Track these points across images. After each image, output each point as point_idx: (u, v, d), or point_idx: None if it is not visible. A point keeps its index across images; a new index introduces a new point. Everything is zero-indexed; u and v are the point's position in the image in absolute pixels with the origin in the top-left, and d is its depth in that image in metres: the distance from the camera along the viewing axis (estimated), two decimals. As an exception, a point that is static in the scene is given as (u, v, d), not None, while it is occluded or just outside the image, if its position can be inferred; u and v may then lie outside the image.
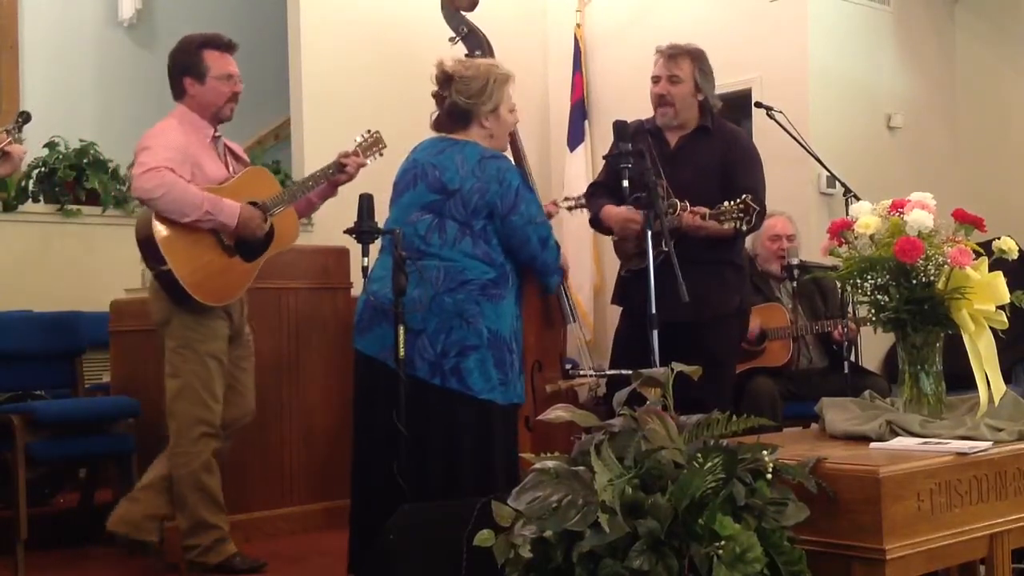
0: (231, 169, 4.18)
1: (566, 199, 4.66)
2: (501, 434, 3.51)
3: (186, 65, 4.08)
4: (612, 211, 4.26)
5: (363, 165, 4.27)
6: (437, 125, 3.71)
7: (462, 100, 3.60)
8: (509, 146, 4.24)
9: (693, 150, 4.28)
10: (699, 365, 2.48)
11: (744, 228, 4.03)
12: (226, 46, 4.14)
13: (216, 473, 4.08)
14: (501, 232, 3.55)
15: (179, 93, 4.12)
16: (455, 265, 3.46)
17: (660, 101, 4.28)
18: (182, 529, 4.08)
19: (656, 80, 4.29)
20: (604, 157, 4.36)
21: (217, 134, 4.17)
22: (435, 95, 3.69)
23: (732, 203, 4.01)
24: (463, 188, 3.52)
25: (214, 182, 4.05)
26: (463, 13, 4.54)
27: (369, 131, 4.34)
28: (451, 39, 4.50)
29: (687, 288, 3.55)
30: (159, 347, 4.56)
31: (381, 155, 4.29)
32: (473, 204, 3.51)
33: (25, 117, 3.98)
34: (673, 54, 4.26)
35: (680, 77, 4.23)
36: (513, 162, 4.20)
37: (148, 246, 3.91)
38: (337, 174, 4.23)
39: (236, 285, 4.05)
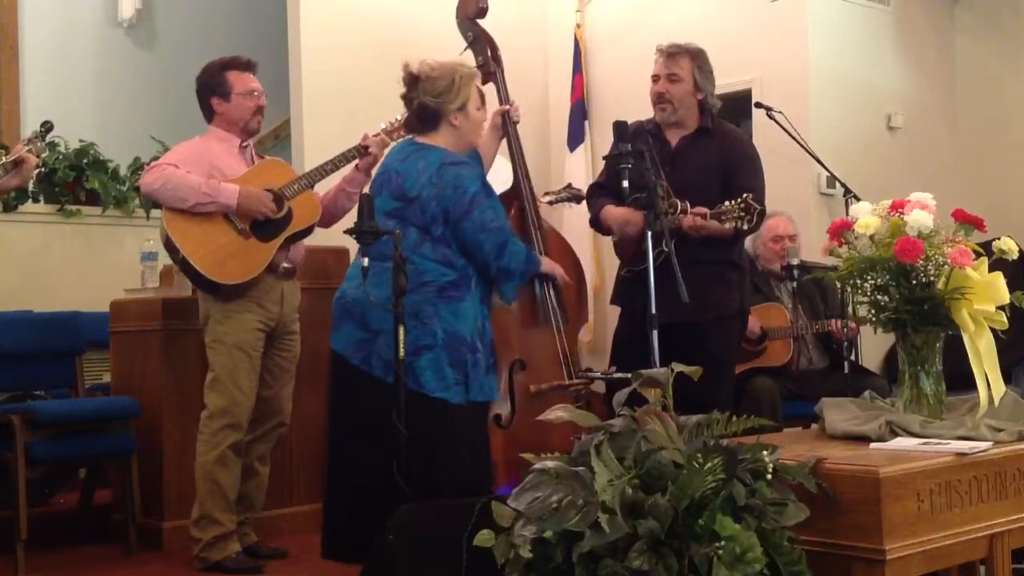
0: None
1: (546, 194, 4.64)
2: (459, 433, 3.53)
3: (211, 87, 4.26)
4: (612, 212, 4.26)
5: (387, 144, 4.30)
6: (408, 127, 3.81)
7: (430, 100, 3.66)
8: (504, 144, 4.25)
9: (693, 150, 4.28)
10: (700, 365, 2.49)
11: (745, 227, 4.04)
12: (246, 65, 4.32)
13: (231, 468, 4.13)
14: (455, 237, 3.59)
15: (209, 114, 4.30)
16: (415, 268, 3.48)
17: (658, 99, 4.29)
18: (192, 518, 4.15)
19: (655, 79, 4.30)
20: (604, 157, 4.36)
21: (245, 144, 4.32)
22: (403, 97, 3.75)
23: (733, 203, 4.02)
24: (421, 195, 3.59)
25: None
26: (475, 20, 4.54)
27: (397, 117, 4.38)
28: (464, 49, 4.50)
29: (688, 288, 3.55)
30: (159, 347, 4.60)
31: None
32: (431, 211, 3.57)
33: (48, 126, 4.09)
34: (673, 53, 4.28)
35: (679, 76, 4.25)
36: (511, 170, 4.21)
37: (168, 242, 4.09)
38: (359, 157, 4.29)
39: (253, 264, 4.13)
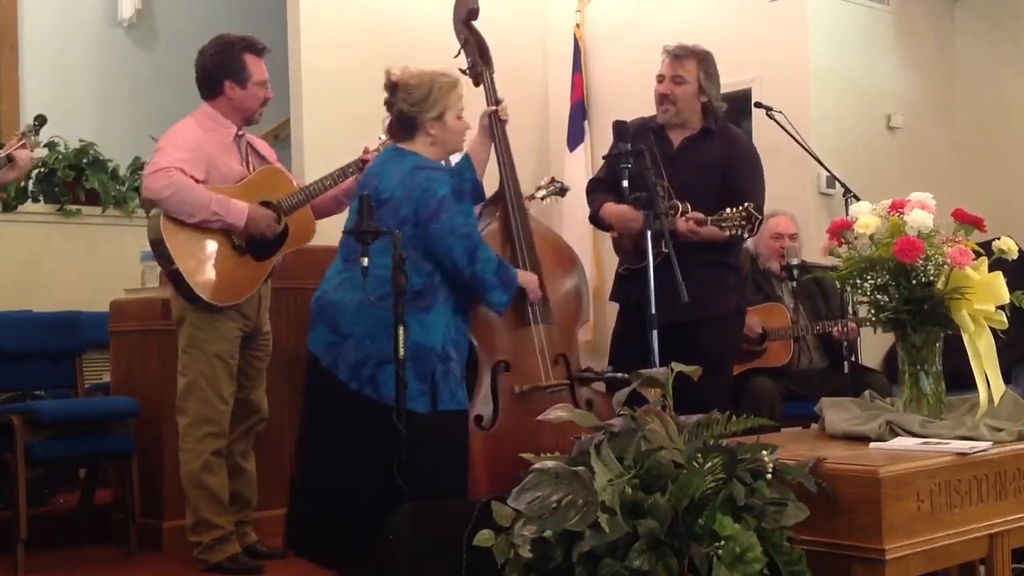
0: (251, 168, 4.20)
1: (538, 189, 4.60)
2: (425, 443, 3.49)
3: (229, 68, 4.09)
4: (613, 209, 4.26)
5: None
6: (389, 133, 3.89)
7: (407, 108, 3.73)
8: (493, 150, 4.22)
9: (695, 151, 4.28)
10: (698, 365, 2.49)
11: (745, 236, 4.07)
12: (261, 50, 4.17)
13: (218, 473, 4.11)
14: (424, 241, 3.62)
15: (214, 93, 4.12)
16: (383, 274, 3.45)
17: (662, 100, 4.29)
18: (188, 525, 4.14)
19: (660, 79, 4.30)
20: (604, 157, 4.36)
21: (240, 132, 4.19)
22: (385, 103, 3.82)
23: (734, 210, 4.01)
24: (393, 197, 3.64)
25: (229, 181, 4.08)
26: (467, 22, 4.53)
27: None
28: (459, 51, 4.48)
29: (686, 289, 3.55)
30: (159, 347, 4.59)
31: None
32: (402, 213, 3.62)
33: (41, 120, 4.02)
34: (679, 55, 4.27)
35: (684, 78, 4.25)
36: (498, 172, 4.19)
37: (159, 246, 3.98)
38: (358, 172, 4.21)
39: (247, 284, 4.08)
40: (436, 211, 3.62)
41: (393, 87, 3.76)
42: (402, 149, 3.78)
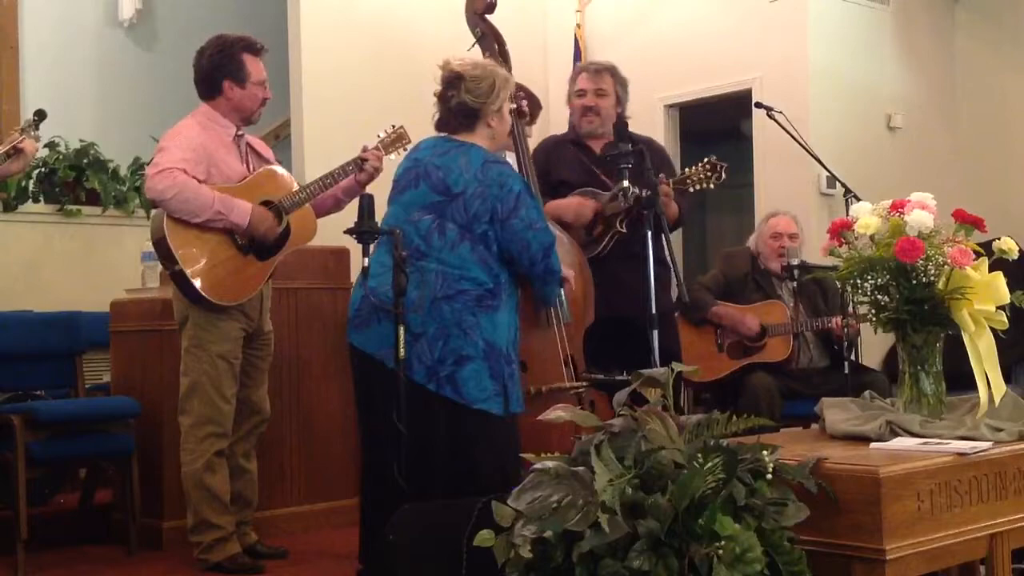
0: (251, 168, 4.19)
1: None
2: (496, 444, 3.46)
3: (228, 68, 4.09)
4: (562, 203, 4.35)
5: (382, 160, 4.26)
6: (441, 125, 3.68)
7: (471, 100, 3.58)
8: (512, 145, 4.24)
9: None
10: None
11: (712, 187, 4.27)
12: (260, 50, 4.17)
13: (220, 473, 4.10)
14: (501, 237, 3.52)
15: (212, 93, 4.12)
16: (453, 272, 3.43)
17: (587, 111, 4.52)
18: (189, 525, 4.14)
19: (582, 93, 4.55)
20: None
21: (240, 132, 4.18)
22: (439, 95, 3.66)
23: (697, 167, 4.24)
24: (466, 192, 3.51)
25: (230, 181, 4.07)
26: (484, 16, 4.53)
27: (393, 126, 4.33)
28: (472, 45, 4.48)
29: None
30: (159, 347, 4.59)
31: (405, 150, 4.16)
32: (475, 208, 3.49)
33: (41, 115, 4.02)
34: (598, 70, 4.58)
35: (606, 91, 4.53)
36: (516, 165, 4.20)
37: (161, 246, 3.97)
38: (357, 171, 4.22)
39: (250, 284, 4.08)
40: (515, 207, 3.51)
41: (457, 78, 3.59)
42: (460, 141, 3.62)
